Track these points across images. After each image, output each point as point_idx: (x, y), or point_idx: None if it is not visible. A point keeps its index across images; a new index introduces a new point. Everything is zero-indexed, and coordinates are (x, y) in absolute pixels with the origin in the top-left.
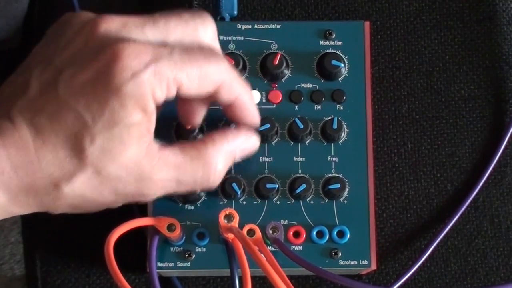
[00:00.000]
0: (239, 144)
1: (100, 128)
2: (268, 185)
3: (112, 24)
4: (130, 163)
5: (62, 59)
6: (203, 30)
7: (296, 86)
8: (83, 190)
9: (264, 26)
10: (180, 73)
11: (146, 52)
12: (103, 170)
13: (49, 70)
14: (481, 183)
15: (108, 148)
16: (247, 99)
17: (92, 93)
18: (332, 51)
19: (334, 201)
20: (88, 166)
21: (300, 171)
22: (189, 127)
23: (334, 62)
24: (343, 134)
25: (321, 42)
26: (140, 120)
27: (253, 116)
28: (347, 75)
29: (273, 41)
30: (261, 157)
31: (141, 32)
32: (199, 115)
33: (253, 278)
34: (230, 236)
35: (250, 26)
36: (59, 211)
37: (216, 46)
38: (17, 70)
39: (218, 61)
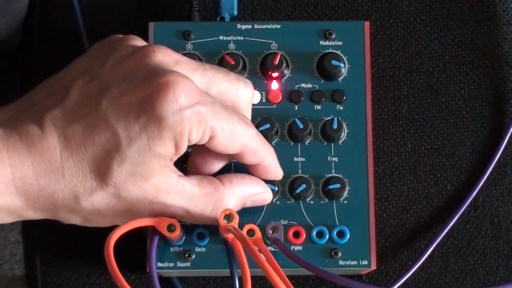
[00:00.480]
0: (254, 194)
1: (133, 151)
2: (268, 185)
3: (167, 57)
4: (151, 188)
5: (110, 75)
6: (243, 93)
7: (296, 86)
8: (100, 207)
9: (264, 26)
10: (217, 124)
11: (196, 93)
12: (124, 192)
13: (93, 84)
14: (481, 183)
15: (134, 172)
16: (270, 162)
17: (135, 115)
18: (332, 51)
19: (334, 201)
20: (110, 186)
21: (300, 171)
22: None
23: (334, 62)
24: (343, 134)
25: (321, 42)
26: (170, 153)
27: (275, 175)
28: (347, 75)
29: (273, 41)
30: None
31: (190, 74)
32: (208, 171)
33: (253, 278)
34: (230, 236)
35: (250, 26)
36: (71, 222)
37: (249, 113)
38: (54, 77)
39: (249, 126)
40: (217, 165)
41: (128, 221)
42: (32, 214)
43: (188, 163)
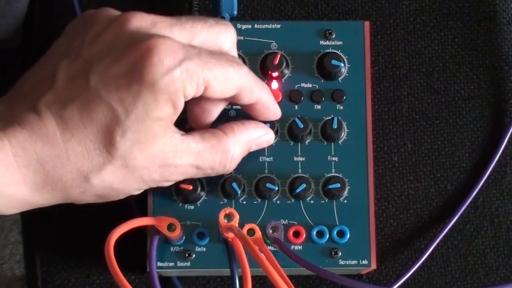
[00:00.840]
0: (257, 137)
1: (132, 121)
2: (268, 185)
3: (142, 21)
4: (157, 152)
5: (91, 52)
6: (225, 36)
7: (296, 86)
8: (111, 181)
9: (264, 26)
10: (208, 74)
11: (179, 50)
12: (132, 161)
13: (77, 63)
14: (481, 183)
15: (138, 140)
16: (267, 100)
17: (126, 86)
18: (332, 51)
19: (334, 201)
20: (118, 158)
21: (300, 171)
22: (196, 127)
23: (334, 62)
24: (343, 134)
25: (321, 42)
26: (169, 114)
27: (274, 113)
28: (347, 75)
29: (273, 41)
30: (261, 157)
31: (169, 32)
32: (209, 119)
33: (253, 277)
34: (230, 235)
35: (250, 26)
36: (84, 202)
37: (235, 53)
38: (38, 63)
39: (240, 66)
40: (216, 111)
41: (142, 190)
42: (42, 201)
43: (187, 115)
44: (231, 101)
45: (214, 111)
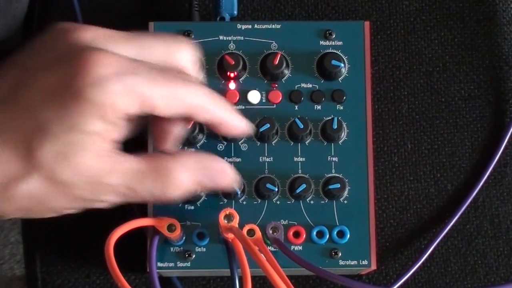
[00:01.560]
0: (211, 168)
1: (55, 132)
2: (268, 185)
3: (87, 33)
4: (84, 168)
5: (34, 62)
6: (181, 54)
7: (296, 86)
8: (33, 193)
9: (264, 26)
10: (151, 91)
11: (115, 63)
12: (56, 175)
13: (22, 72)
14: (481, 183)
15: (62, 152)
16: (226, 118)
17: (51, 95)
18: (332, 51)
19: (334, 201)
20: (39, 170)
21: (300, 171)
22: (160, 149)
23: (334, 62)
24: (343, 134)
25: (321, 42)
26: (99, 129)
27: (241, 129)
28: (347, 75)
29: (273, 41)
30: (261, 157)
31: (115, 45)
32: (171, 138)
33: (253, 278)
34: (230, 236)
35: (250, 26)
36: (10, 216)
37: (193, 70)
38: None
39: (192, 85)
40: (175, 130)
41: (77, 209)
42: None
43: (151, 136)
44: (191, 120)
45: (174, 131)
